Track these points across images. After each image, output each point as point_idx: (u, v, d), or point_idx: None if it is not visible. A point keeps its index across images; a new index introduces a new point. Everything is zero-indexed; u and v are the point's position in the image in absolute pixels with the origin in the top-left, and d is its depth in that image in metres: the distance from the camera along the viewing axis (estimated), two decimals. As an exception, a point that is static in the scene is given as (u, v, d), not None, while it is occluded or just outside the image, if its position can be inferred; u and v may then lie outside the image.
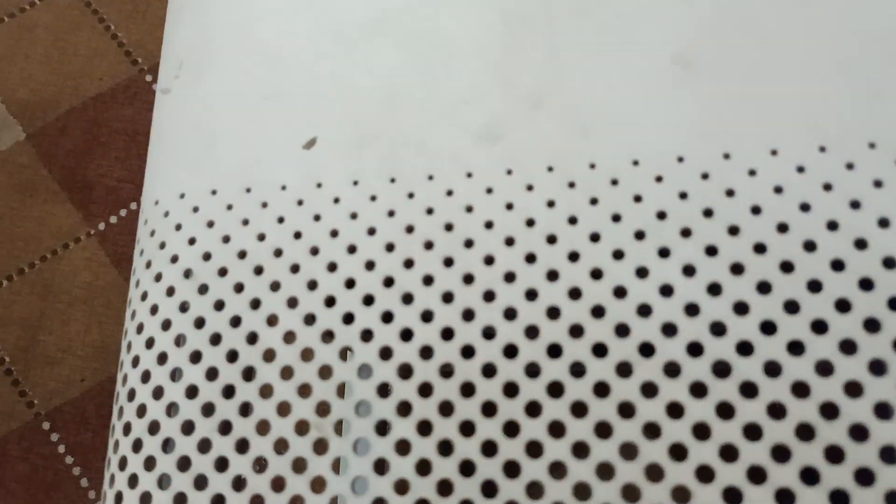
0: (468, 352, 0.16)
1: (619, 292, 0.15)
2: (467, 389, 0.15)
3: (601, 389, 0.15)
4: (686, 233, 0.16)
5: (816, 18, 0.16)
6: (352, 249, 0.17)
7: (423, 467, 0.15)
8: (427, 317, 0.16)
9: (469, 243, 0.17)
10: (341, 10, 0.19)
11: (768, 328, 0.15)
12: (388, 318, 0.16)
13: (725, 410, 0.14)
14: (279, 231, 0.18)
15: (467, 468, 0.15)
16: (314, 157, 0.19)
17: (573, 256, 0.16)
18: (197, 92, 0.20)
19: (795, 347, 0.14)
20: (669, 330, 0.15)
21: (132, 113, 0.50)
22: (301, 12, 0.20)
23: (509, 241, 0.17)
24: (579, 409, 0.15)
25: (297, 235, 0.18)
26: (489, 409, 0.15)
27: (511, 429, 0.15)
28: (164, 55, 0.22)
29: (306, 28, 0.20)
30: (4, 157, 0.47)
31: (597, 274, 0.16)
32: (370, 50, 0.19)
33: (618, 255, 0.16)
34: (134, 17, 0.51)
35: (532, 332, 0.16)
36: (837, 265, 0.15)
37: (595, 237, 0.16)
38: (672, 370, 0.15)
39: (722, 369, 0.15)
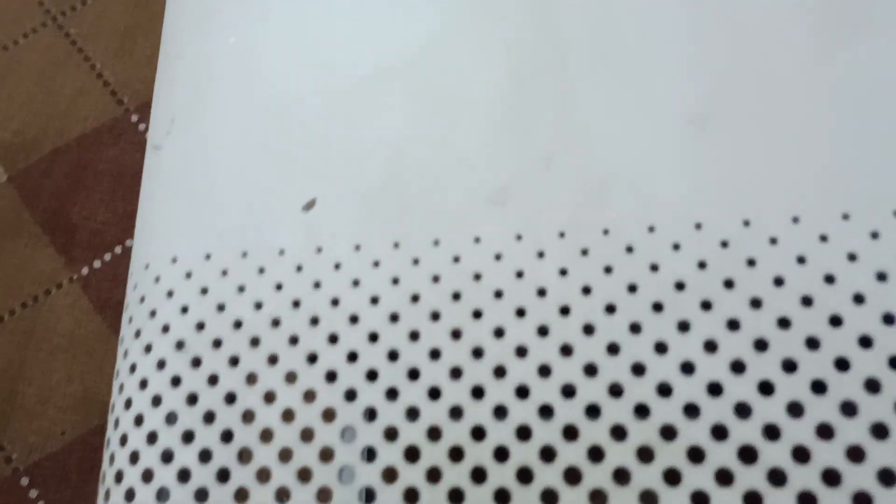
0: (478, 433, 0.15)
1: (638, 370, 0.15)
2: (478, 475, 0.14)
3: (621, 476, 0.14)
4: (706, 305, 0.15)
5: (840, 81, 0.16)
6: (354, 319, 0.16)
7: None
8: (434, 394, 0.15)
9: (477, 314, 0.16)
10: (344, 65, 0.19)
11: (795, 410, 0.14)
12: (392, 394, 0.16)
13: (752, 500, 0.13)
14: (277, 299, 0.17)
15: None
16: (314, 220, 0.18)
17: (588, 329, 0.15)
18: (190, 150, 0.19)
19: (824, 431, 0.14)
20: (692, 411, 0.14)
21: (117, 154, 0.49)
22: (301, 68, 0.19)
23: (520, 313, 0.16)
24: (598, 498, 0.14)
25: (296, 304, 0.17)
26: (502, 498, 0.14)
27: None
28: (155, 109, 0.21)
29: (306, 84, 0.19)
30: (-15, 200, 0.46)
31: (613, 349, 0.15)
32: (374, 107, 0.18)
33: (635, 328, 0.15)
34: (120, 55, 0.51)
35: (546, 411, 0.15)
36: (864, 342, 0.14)
37: (611, 309, 0.15)
38: (696, 455, 0.14)
39: (748, 454, 0.14)
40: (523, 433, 0.15)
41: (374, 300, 0.17)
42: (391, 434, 0.15)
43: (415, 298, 0.16)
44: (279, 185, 0.18)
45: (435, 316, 0.16)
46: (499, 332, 0.16)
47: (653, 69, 0.17)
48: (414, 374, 0.16)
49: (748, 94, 0.16)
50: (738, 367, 0.14)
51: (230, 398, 0.16)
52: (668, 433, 0.14)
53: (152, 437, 0.16)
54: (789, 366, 0.14)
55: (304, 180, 0.18)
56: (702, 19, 0.17)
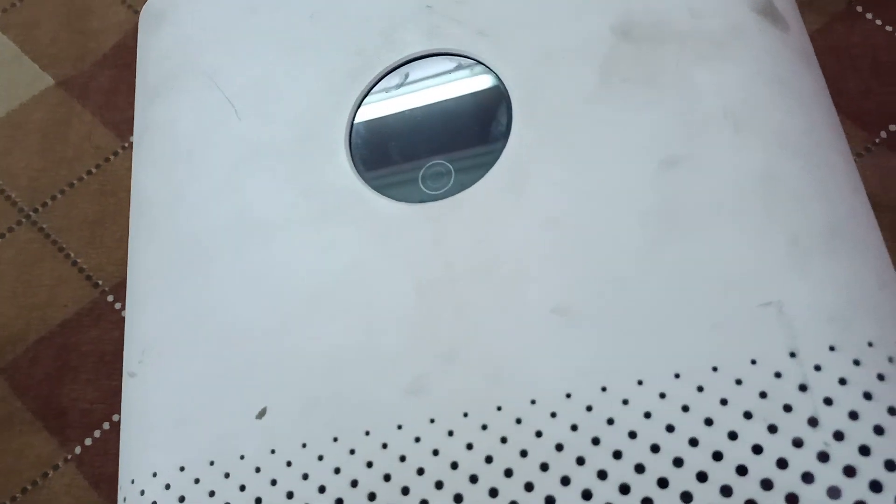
0: None
1: (533, 523, 0.18)
2: None
3: None
4: (580, 461, 0.19)
5: (671, 272, 0.20)
6: (306, 509, 0.20)
7: None
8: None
9: (405, 490, 0.20)
10: (281, 290, 0.23)
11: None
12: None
13: None
14: (241, 499, 0.21)
15: None
16: (267, 426, 0.22)
17: (493, 493, 0.19)
18: (160, 375, 0.23)
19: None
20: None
21: (98, 334, 0.52)
22: (247, 294, 0.23)
23: (438, 485, 0.20)
24: None
25: (258, 502, 0.21)
26: None
27: None
28: (128, 340, 0.25)
29: (254, 309, 0.23)
30: (-22, 394, 0.49)
31: (513, 508, 0.19)
32: (311, 323, 0.22)
33: (528, 487, 0.19)
34: (92, 243, 0.55)
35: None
36: (701, 476, 0.18)
37: (508, 473, 0.19)
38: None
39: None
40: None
41: (322, 489, 0.20)
42: None
43: (353, 484, 0.20)
44: (235, 399, 0.22)
45: (371, 496, 0.20)
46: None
47: (518, 272, 0.21)
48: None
49: (599, 287, 0.21)
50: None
51: None
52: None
53: None
54: (647, 502, 0.18)
55: (256, 393, 0.22)
56: (560, 238, 0.21)
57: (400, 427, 0.21)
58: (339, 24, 0.26)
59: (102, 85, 0.56)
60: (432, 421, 0.20)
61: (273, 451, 0.21)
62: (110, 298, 0.51)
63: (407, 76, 0.25)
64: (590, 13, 0.24)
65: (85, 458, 0.47)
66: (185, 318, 0.24)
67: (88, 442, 0.50)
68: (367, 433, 0.21)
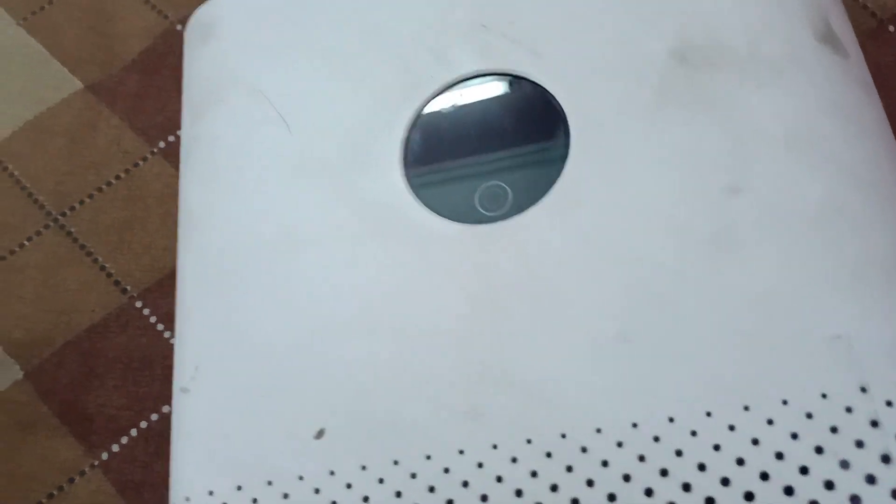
0: None
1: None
2: None
3: None
4: (649, 492, 0.19)
5: (734, 302, 0.20)
6: (367, 533, 0.20)
7: None
8: None
9: (468, 517, 0.20)
10: (332, 309, 0.23)
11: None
12: None
13: None
14: (302, 521, 0.21)
15: None
16: (325, 447, 0.22)
17: (559, 522, 0.19)
18: (214, 392, 0.23)
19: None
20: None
21: (126, 340, 0.52)
22: (299, 311, 0.23)
23: (503, 512, 0.20)
24: None
25: (319, 524, 0.21)
26: None
27: None
28: (179, 354, 0.25)
29: (306, 326, 0.23)
30: (4, 398, 0.49)
31: (580, 539, 0.19)
32: (365, 343, 0.22)
33: (595, 518, 0.19)
34: (120, 248, 0.54)
35: None
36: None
37: (575, 503, 0.19)
38: None
39: None
40: None
41: (383, 514, 0.20)
42: None
43: (416, 509, 0.20)
44: (292, 418, 0.22)
45: (434, 523, 0.20)
46: (488, 532, 0.19)
47: (584, 299, 0.21)
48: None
49: (660, 311, 0.21)
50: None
51: None
52: None
53: None
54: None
55: (312, 413, 0.22)
56: (620, 264, 0.21)
57: (461, 452, 0.20)
58: (390, 42, 0.26)
59: (131, 90, 0.56)
60: (495, 447, 0.20)
61: (332, 473, 0.21)
62: (139, 304, 0.51)
63: (460, 94, 0.25)
64: (646, 35, 0.24)
65: (112, 464, 0.47)
66: (237, 335, 0.24)
67: (115, 448, 0.50)
68: (428, 457, 0.21)
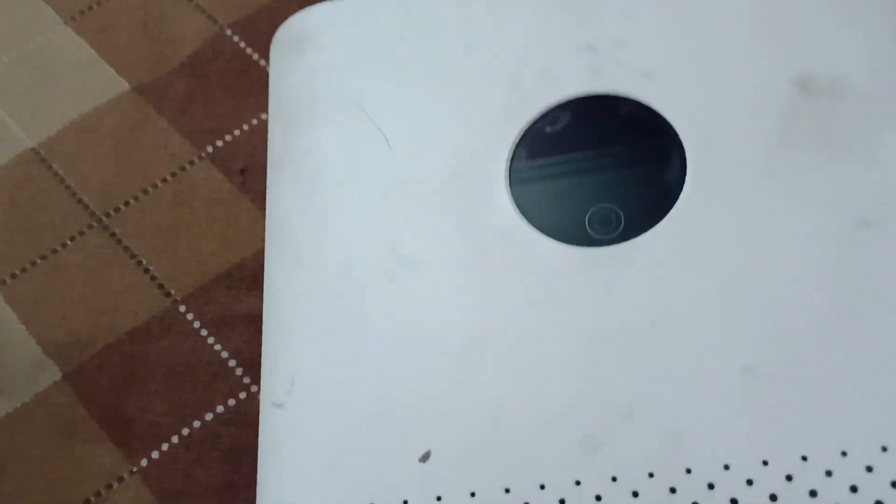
0: None
1: None
2: None
3: None
4: (782, 534, 0.18)
5: (867, 340, 0.20)
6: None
7: None
8: None
9: (590, 551, 0.19)
10: (441, 331, 0.22)
11: None
12: None
13: None
14: (410, 548, 0.20)
15: None
16: (431, 471, 0.21)
17: (686, 561, 0.18)
18: (312, 409, 0.23)
19: None
20: None
21: (169, 345, 0.51)
22: (404, 332, 0.23)
23: (625, 548, 0.19)
24: None
25: (427, 552, 0.20)
26: None
27: None
28: (270, 368, 0.24)
29: (411, 348, 0.22)
30: (42, 399, 0.48)
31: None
32: (471, 369, 0.22)
33: (725, 557, 0.18)
34: (165, 251, 0.54)
35: None
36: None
37: (702, 541, 0.19)
38: None
39: None
40: None
41: (499, 544, 0.20)
42: None
43: (533, 541, 0.19)
44: (395, 440, 0.21)
45: (553, 556, 0.19)
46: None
47: (705, 325, 0.21)
48: None
49: (792, 345, 0.20)
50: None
51: None
52: None
53: None
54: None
55: (416, 435, 0.21)
56: (742, 295, 0.21)
57: (578, 483, 0.20)
58: (494, 59, 0.26)
59: (179, 93, 0.55)
60: (614, 479, 0.20)
61: (439, 499, 0.20)
62: (182, 308, 0.50)
63: (567, 115, 0.25)
64: (763, 61, 0.24)
65: (151, 471, 0.46)
66: (338, 352, 0.23)
67: (155, 455, 0.49)
68: (542, 487, 0.20)
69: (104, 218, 0.50)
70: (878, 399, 0.19)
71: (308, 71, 0.27)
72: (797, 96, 0.23)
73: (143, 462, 0.46)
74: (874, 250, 0.21)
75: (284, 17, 0.58)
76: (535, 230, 0.23)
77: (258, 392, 0.42)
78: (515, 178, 0.24)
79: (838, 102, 0.23)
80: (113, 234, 0.51)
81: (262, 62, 0.52)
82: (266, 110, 0.51)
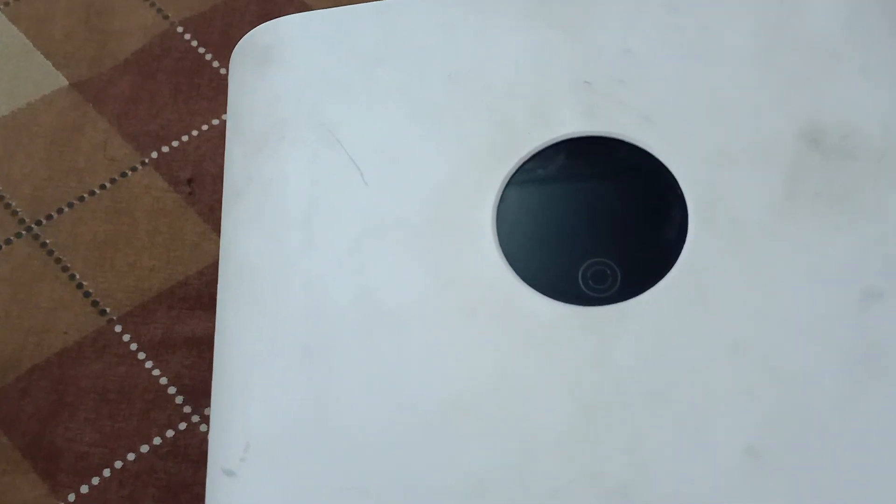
0: None
1: None
2: None
3: None
4: None
5: (878, 420, 0.18)
6: None
7: None
8: None
9: None
10: (418, 393, 0.20)
11: None
12: None
13: None
14: None
15: None
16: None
17: None
18: (269, 479, 0.20)
19: None
20: None
21: (101, 368, 0.48)
22: (376, 393, 0.20)
23: None
24: None
25: None
26: None
27: None
28: (220, 428, 0.22)
29: (383, 412, 0.20)
30: (-43, 425, 0.44)
31: None
32: (451, 436, 0.20)
33: None
34: (100, 264, 0.50)
35: None
36: None
37: None
38: None
39: None
40: None
41: None
42: None
43: None
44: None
45: None
46: None
47: (707, 402, 0.19)
48: None
49: (794, 427, 0.19)
50: None
51: None
52: None
53: None
54: None
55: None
56: (747, 367, 0.19)
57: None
58: (482, 91, 0.24)
59: (122, 92, 0.52)
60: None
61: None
62: (118, 329, 0.46)
63: (561, 157, 0.23)
64: (771, 112, 0.22)
65: (78, 508, 0.42)
66: (301, 414, 0.21)
67: (84, 490, 0.46)
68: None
69: (34, 226, 0.47)
70: (877, 485, 0.18)
71: (274, 89, 0.25)
72: (806, 152, 0.21)
73: (71, 497, 0.43)
74: (885, 323, 0.20)
75: (242, 16, 0.54)
76: (524, 284, 0.21)
77: (200, 423, 0.40)
78: (503, 224, 0.22)
79: (850, 160, 0.21)
80: (44, 245, 0.47)
81: (216, 63, 0.49)
82: (218, 115, 0.48)
